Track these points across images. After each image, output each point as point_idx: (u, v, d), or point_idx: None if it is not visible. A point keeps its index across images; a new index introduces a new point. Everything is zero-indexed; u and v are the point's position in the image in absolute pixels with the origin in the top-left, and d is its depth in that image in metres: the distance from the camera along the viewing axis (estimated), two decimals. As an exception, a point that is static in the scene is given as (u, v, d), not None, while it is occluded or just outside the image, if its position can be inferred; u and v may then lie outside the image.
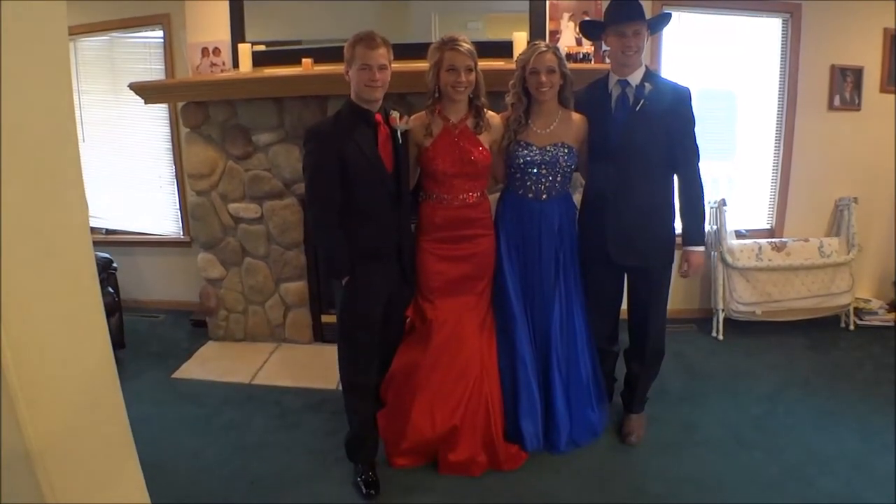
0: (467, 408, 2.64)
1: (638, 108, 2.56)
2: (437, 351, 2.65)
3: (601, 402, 2.93)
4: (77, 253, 1.43)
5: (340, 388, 2.73)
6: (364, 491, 2.56)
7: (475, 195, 2.68)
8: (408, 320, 2.81)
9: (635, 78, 2.59)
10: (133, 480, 1.64)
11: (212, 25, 3.90)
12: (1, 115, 1.16)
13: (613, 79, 2.64)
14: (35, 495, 1.28)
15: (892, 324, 4.14)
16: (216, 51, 3.81)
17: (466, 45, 2.49)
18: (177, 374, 3.71)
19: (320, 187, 2.42)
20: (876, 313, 4.19)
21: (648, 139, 2.57)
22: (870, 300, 4.27)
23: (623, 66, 2.59)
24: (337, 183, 2.39)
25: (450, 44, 2.49)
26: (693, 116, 2.62)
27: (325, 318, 4.05)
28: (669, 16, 2.67)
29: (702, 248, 2.71)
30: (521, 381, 2.73)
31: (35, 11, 1.24)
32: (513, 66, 2.70)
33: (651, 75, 2.62)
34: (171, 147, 4.49)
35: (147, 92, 3.77)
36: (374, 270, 2.52)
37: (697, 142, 2.64)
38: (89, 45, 4.50)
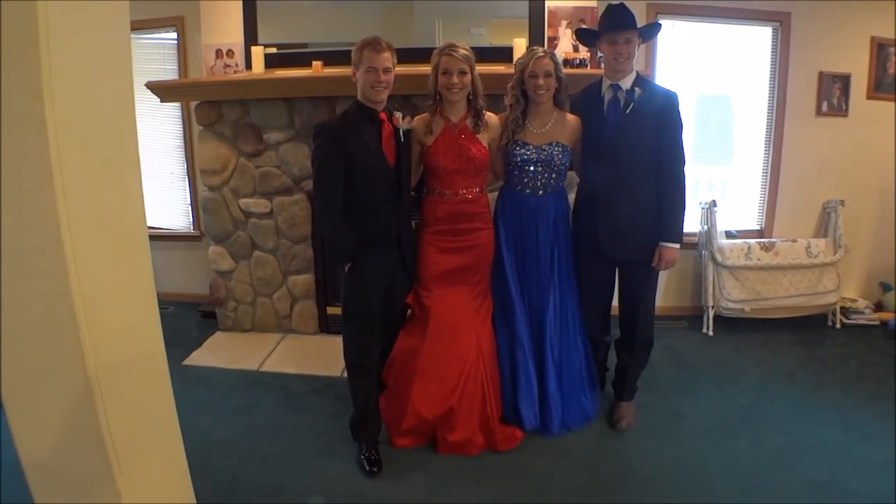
0: (464, 390, 2.77)
1: (628, 110, 2.70)
2: (434, 337, 2.79)
3: (593, 389, 3.07)
4: (135, 233, 1.67)
5: (345, 374, 2.85)
6: (367, 468, 2.68)
7: (474, 191, 2.82)
8: (409, 311, 2.96)
9: (626, 82, 2.72)
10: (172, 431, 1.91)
11: (225, 28, 4.02)
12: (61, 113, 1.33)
13: (606, 83, 2.77)
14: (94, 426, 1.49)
15: (878, 323, 4.24)
16: (230, 52, 3.95)
17: (462, 51, 2.65)
18: (187, 362, 3.83)
19: (327, 179, 2.58)
20: (862, 312, 4.29)
21: (638, 139, 2.70)
22: (856, 300, 4.38)
23: (615, 71, 2.72)
24: (342, 175, 2.55)
25: (446, 50, 2.65)
26: (680, 120, 2.73)
27: (331, 310, 4.15)
28: (660, 25, 2.83)
29: (676, 246, 2.79)
30: (519, 365, 2.86)
31: (101, 14, 1.40)
32: (512, 70, 2.84)
33: (641, 80, 2.75)
34: (182, 144, 4.63)
35: (163, 91, 3.90)
36: (375, 258, 2.68)
37: (683, 145, 2.75)
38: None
